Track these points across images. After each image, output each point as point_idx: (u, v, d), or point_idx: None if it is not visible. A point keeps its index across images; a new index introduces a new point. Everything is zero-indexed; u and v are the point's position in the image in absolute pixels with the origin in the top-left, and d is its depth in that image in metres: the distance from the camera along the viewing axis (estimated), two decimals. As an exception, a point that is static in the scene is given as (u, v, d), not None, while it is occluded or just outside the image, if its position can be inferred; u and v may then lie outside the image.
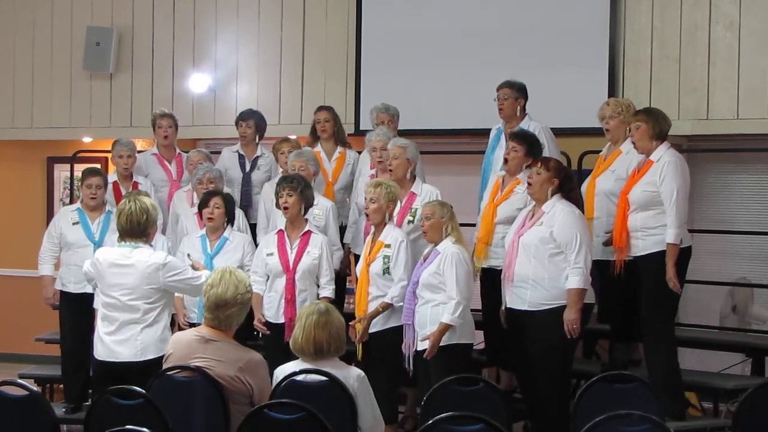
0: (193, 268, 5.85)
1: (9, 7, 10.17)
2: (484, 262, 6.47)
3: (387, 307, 6.29)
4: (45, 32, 10.04)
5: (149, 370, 5.23)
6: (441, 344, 5.98)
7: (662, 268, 5.97)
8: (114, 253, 5.65)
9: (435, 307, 6.03)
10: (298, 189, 6.55)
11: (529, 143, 6.49)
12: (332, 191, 7.46)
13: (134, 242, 5.61)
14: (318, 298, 6.41)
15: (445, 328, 5.95)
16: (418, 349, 6.08)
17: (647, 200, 6.07)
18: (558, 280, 5.93)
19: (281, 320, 6.49)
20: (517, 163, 6.48)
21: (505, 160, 6.52)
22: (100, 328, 5.64)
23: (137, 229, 5.61)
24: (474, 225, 6.81)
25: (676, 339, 6.26)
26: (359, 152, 7.64)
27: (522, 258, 6.00)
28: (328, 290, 6.58)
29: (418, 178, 6.85)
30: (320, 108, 7.84)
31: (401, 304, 6.25)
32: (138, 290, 5.55)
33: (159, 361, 5.20)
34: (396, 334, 6.27)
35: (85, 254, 7.02)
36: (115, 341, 5.57)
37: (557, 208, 5.99)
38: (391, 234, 6.36)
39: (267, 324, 6.59)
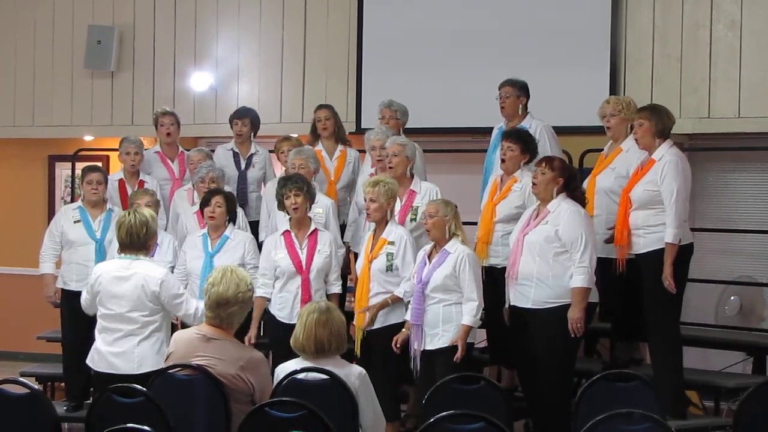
0: None
1: (10, 5, 10.18)
2: (485, 261, 6.45)
3: (397, 300, 6.30)
4: (46, 31, 10.05)
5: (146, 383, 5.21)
6: (447, 344, 6.00)
7: (662, 266, 5.97)
8: (114, 265, 5.68)
9: (447, 307, 6.04)
10: (304, 188, 6.54)
11: (522, 141, 6.51)
12: (335, 190, 7.46)
13: (134, 255, 5.62)
14: (327, 295, 6.44)
15: (469, 329, 5.98)
16: (427, 348, 6.08)
17: (648, 199, 6.08)
18: (562, 279, 5.93)
19: (295, 321, 6.44)
20: (515, 162, 6.50)
21: (503, 161, 6.53)
22: (98, 340, 5.66)
23: (137, 242, 5.61)
24: (475, 224, 6.80)
25: (680, 337, 6.26)
26: (361, 151, 7.64)
27: (526, 256, 6.00)
28: (336, 287, 6.61)
29: (417, 175, 6.85)
30: (320, 106, 7.84)
31: (410, 298, 6.25)
32: (135, 302, 5.56)
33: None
34: (395, 332, 6.26)
35: (87, 252, 7.03)
36: (112, 353, 5.59)
37: (562, 208, 5.99)
38: (395, 231, 6.37)
39: (279, 324, 6.54)
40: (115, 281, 5.59)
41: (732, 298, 7.96)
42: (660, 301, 6.06)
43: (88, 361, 5.73)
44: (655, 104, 6.51)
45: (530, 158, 6.49)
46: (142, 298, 5.55)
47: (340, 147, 7.62)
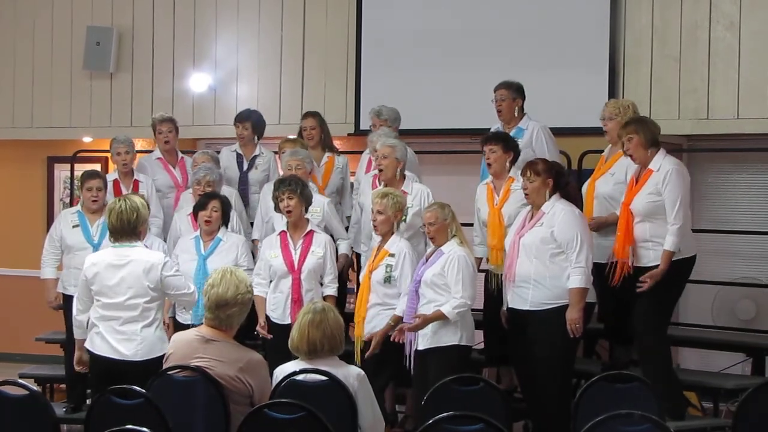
0: None
1: (9, 6, 10.18)
2: (503, 268, 6.29)
3: (398, 320, 6.27)
4: (45, 32, 10.05)
5: (149, 370, 5.21)
6: (441, 345, 6.01)
7: (668, 277, 5.94)
8: (110, 254, 5.65)
9: (438, 308, 6.02)
10: (298, 190, 6.54)
11: (502, 140, 6.53)
12: (320, 189, 7.45)
13: (128, 242, 5.62)
14: (322, 297, 6.43)
15: (440, 317, 5.96)
16: (419, 348, 6.08)
17: (652, 210, 6.02)
18: (559, 280, 5.93)
19: (288, 321, 6.45)
20: (501, 163, 6.49)
21: (489, 165, 6.53)
22: (100, 326, 5.60)
23: (127, 227, 5.61)
24: (473, 225, 6.79)
25: (669, 340, 6.25)
26: (358, 152, 7.63)
27: (523, 258, 6.00)
28: (331, 288, 6.59)
29: (408, 176, 6.85)
30: (306, 114, 7.85)
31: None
32: (136, 289, 5.54)
33: (159, 361, 5.20)
34: (389, 340, 6.24)
35: (85, 257, 6.98)
36: (115, 339, 5.56)
37: (557, 208, 5.99)
38: (396, 244, 6.36)
39: (273, 325, 6.57)
40: (112, 270, 5.57)
41: (745, 300, 7.98)
42: (658, 304, 6.01)
43: (86, 345, 5.67)
44: (638, 116, 6.44)
45: (514, 155, 6.50)
46: (143, 284, 5.54)
47: (327, 154, 7.62)
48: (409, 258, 6.30)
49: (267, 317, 6.61)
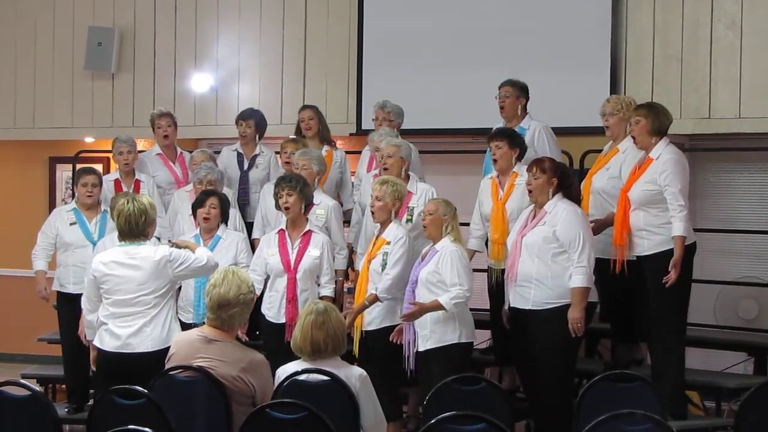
0: (178, 246, 5.81)
1: (11, 7, 10.19)
2: (503, 263, 6.32)
3: (374, 299, 6.27)
4: (47, 32, 10.06)
5: (159, 362, 5.17)
6: (442, 344, 6.01)
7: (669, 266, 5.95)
8: (119, 252, 5.64)
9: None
10: (297, 188, 6.54)
11: (508, 136, 6.55)
12: (322, 190, 7.44)
13: (136, 241, 5.62)
14: (319, 298, 6.41)
15: (437, 306, 5.95)
16: (420, 349, 6.08)
17: (647, 199, 6.05)
18: (561, 279, 5.93)
19: (282, 320, 6.47)
20: (507, 159, 6.51)
21: (495, 161, 6.53)
22: (109, 323, 5.57)
23: (136, 230, 5.60)
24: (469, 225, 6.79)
25: (685, 338, 6.24)
26: (355, 152, 7.62)
27: (525, 258, 6.00)
28: (328, 289, 6.57)
29: (413, 176, 6.84)
30: (304, 107, 7.88)
31: (385, 295, 6.25)
32: (147, 285, 5.53)
33: (167, 352, 5.19)
34: (390, 333, 6.25)
35: (84, 254, 6.99)
36: (125, 334, 5.52)
37: (559, 208, 5.99)
38: (393, 232, 6.36)
39: (268, 324, 6.57)
40: (121, 268, 5.55)
41: (747, 299, 7.98)
42: (668, 300, 6.02)
43: (95, 342, 5.65)
44: (652, 102, 6.50)
45: (520, 152, 6.52)
46: (153, 281, 5.53)
47: (325, 147, 7.62)
48: (401, 243, 6.28)
49: (262, 316, 6.59)
